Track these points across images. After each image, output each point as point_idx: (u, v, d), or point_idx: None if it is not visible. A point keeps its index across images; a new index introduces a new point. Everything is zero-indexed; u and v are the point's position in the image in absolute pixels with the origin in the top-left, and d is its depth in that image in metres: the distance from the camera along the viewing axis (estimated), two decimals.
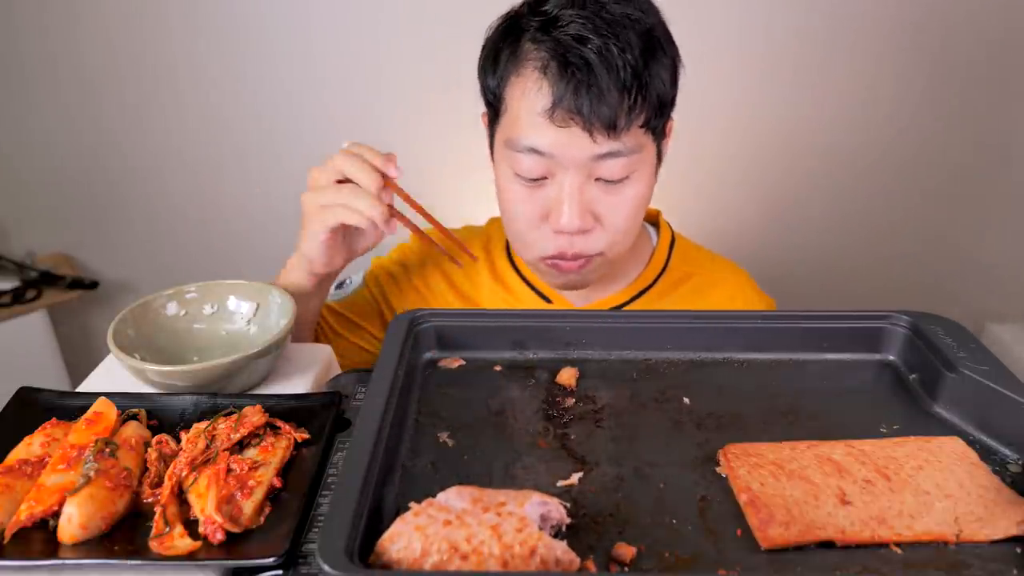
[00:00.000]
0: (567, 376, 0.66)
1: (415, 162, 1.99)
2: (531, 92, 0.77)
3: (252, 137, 1.96)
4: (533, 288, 0.97)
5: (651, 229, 1.03)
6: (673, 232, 1.03)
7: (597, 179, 0.79)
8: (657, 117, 0.79)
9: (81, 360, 2.02)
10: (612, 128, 0.75)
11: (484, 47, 0.85)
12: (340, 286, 1.04)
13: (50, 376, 1.91)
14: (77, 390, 0.68)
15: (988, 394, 0.58)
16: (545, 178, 0.80)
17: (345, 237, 0.84)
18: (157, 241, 2.08)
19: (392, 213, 0.77)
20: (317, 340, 0.97)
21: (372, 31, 1.84)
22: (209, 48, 1.85)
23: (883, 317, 0.68)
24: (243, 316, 0.79)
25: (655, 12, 0.80)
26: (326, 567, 0.40)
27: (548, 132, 0.77)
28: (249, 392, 0.70)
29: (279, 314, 0.76)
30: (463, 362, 0.69)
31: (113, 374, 0.73)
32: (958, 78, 1.86)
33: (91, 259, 2.08)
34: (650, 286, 0.97)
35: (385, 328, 0.97)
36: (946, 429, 0.59)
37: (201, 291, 0.79)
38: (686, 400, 0.63)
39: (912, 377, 0.65)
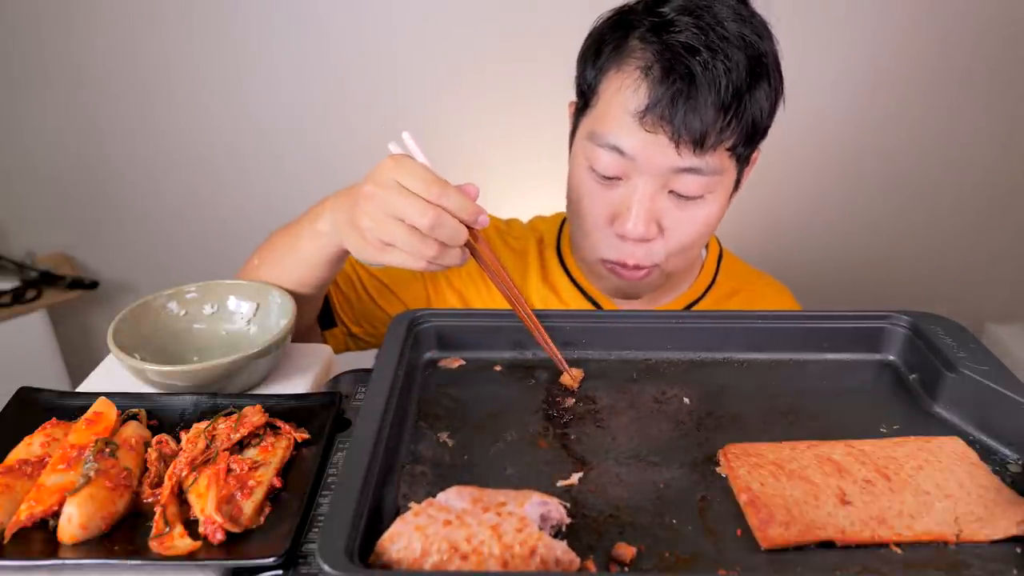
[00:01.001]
0: (569, 379, 0.65)
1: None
2: (627, 90, 0.75)
3: (251, 137, 1.96)
4: (584, 292, 0.96)
5: None
6: (721, 246, 1.02)
7: (670, 192, 0.78)
8: (746, 144, 0.78)
9: (81, 360, 2.02)
10: (699, 144, 0.74)
11: (589, 36, 0.83)
12: None
13: (50, 376, 1.91)
14: (77, 390, 0.69)
15: (988, 394, 0.58)
16: (619, 179, 0.79)
17: None
18: (157, 241, 2.08)
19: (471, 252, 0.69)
20: (347, 300, 0.95)
21: (371, 29, 1.84)
22: (208, 48, 1.85)
23: (883, 317, 0.68)
24: (243, 316, 0.79)
25: (770, 39, 0.79)
26: (326, 567, 0.40)
27: (635, 134, 0.75)
28: (249, 392, 0.70)
29: (279, 314, 0.76)
30: (463, 362, 0.69)
31: (113, 374, 0.73)
32: (956, 79, 1.86)
33: (91, 259, 2.08)
34: (699, 299, 0.96)
35: (421, 301, 0.96)
36: (946, 429, 0.59)
37: (201, 291, 0.79)
38: (686, 400, 0.63)
39: (912, 377, 0.65)
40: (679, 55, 0.72)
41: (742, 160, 0.81)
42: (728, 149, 0.76)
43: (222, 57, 1.87)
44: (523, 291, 0.96)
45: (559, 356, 0.67)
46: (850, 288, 2.11)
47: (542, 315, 0.70)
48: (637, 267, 0.82)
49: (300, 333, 0.86)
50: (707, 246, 1.01)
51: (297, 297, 0.79)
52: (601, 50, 0.80)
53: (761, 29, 0.77)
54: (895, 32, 1.80)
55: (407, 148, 0.69)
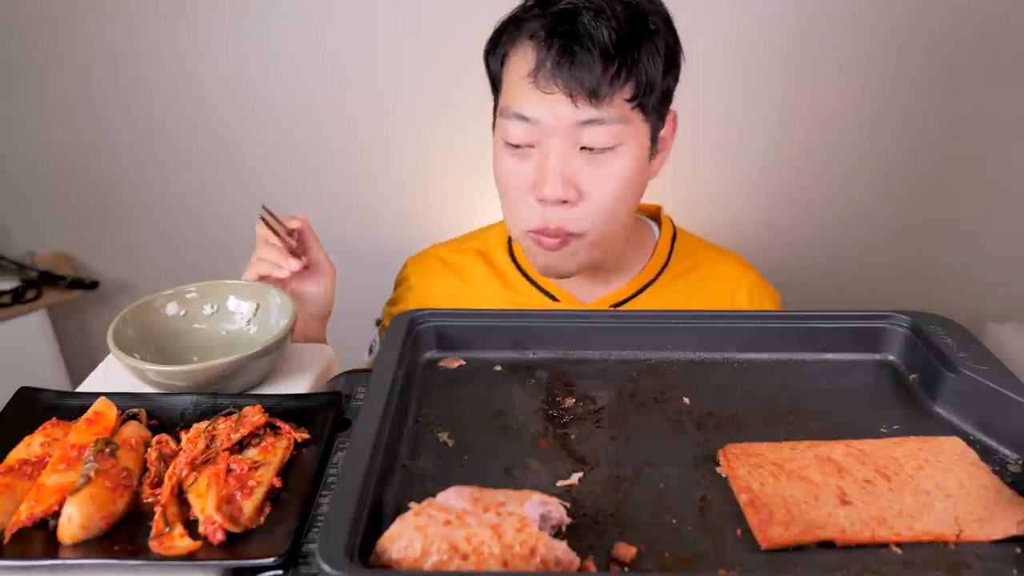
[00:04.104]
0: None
1: (416, 160, 2.00)
2: (520, 59, 0.80)
3: (252, 136, 1.96)
4: (537, 286, 0.97)
5: (653, 224, 1.03)
6: (675, 226, 1.03)
7: (583, 148, 0.80)
8: (646, 95, 0.80)
9: (81, 360, 2.02)
10: (593, 95, 0.77)
11: (491, 35, 0.87)
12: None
13: (50, 376, 1.91)
14: (77, 390, 0.68)
15: (988, 394, 0.58)
16: (532, 146, 0.82)
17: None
18: (157, 241, 2.08)
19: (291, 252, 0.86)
20: None
21: (371, 29, 1.84)
22: (209, 47, 1.86)
23: (883, 317, 0.68)
24: (243, 316, 0.79)
25: (657, 3, 0.82)
26: (326, 567, 0.40)
27: (533, 98, 0.79)
28: (249, 392, 0.70)
29: (279, 314, 0.76)
30: (463, 362, 0.69)
31: (113, 374, 0.73)
32: (957, 78, 1.86)
33: (91, 259, 2.08)
34: (654, 280, 0.97)
35: None
36: (946, 429, 0.59)
37: (201, 291, 0.79)
38: (686, 400, 0.63)
39: (912, 377, 0.65)
40: (563, 18, 0.77)
41: (650, 115, 0.83)
42: (628, 100, 0.79)
43: (222, 57, 1.87)
44: (472, 299, 1.00)
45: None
46: (849, 288, 2.11)
47: (544, 315, 0.70)
48: (557, 232, 0.84)
49: None
50: (660, 227, 1.01)
51: None
52: (500, 39, 0.85)
53: None
54: (895, 30, 1.80)
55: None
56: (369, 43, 1.86)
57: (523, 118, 0.80)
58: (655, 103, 0.83)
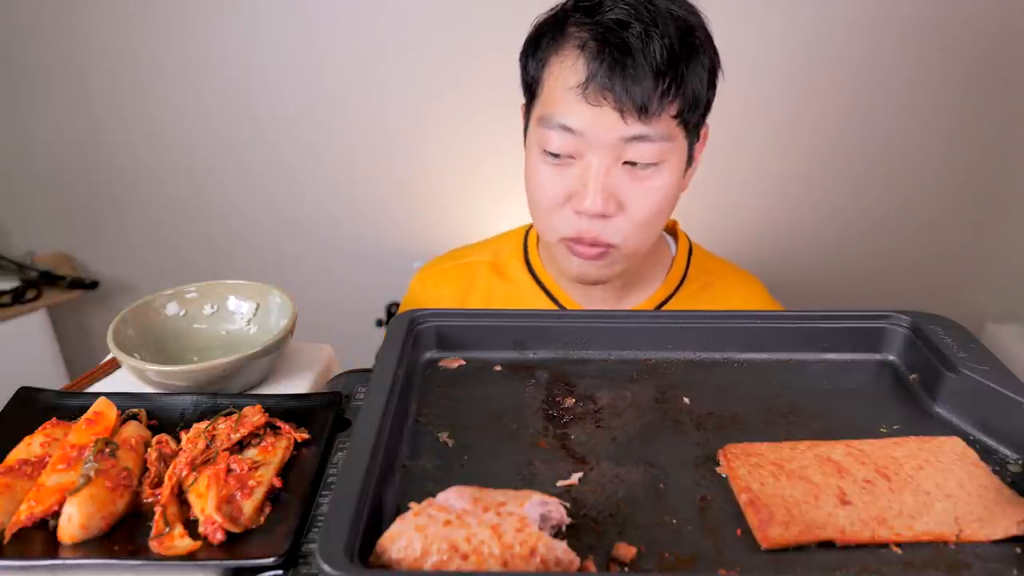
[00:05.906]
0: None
1: (417, 159, 2.00)
2: (567, 68, 0.78)
3: (252, 136, 1.96)
4: (553, 298, 0.97)
5: (669, 239, 1.03)
6: (691, 242, 1.03)
7: (625, 163, 0.79)
8: (690, 111, 0.80)
9: (81, 360, 2.02)
10: (643, 111, 0.76)
11: (529, 35, 0.85)
12: None
13: (50, 376, 1.91)
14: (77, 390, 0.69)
15: (988, 394, 0.58)
16: (573, 157, 0.80)
17: None
18: (157, 241, 2.08)
19: None
20: None
21: (372, 28, 1.84)
22: (209, 48, 1.86)
23: (883, 317, 0.68)
24: (243, 316, 0.79)
25: (699, 16, 0.81)
26: (326, 567, 0.40)
27: (580, 109, 0.77)
28: (249, 392, 0.70)
29: (279, 314, 0.76)
30: (463, 362, 0.69)
31: (113, 374, 0.73)
32: (957, 79, 1.86)
33: (91, 259, 2.08)
34: (671, 296, 0.97)
35: None
36: (946, 429, 0.59)
37: (201, 291, 0.79)
38: (686, 400, 0.63)
39: (912, 377, 0.65)
40: (612, 29, 0.76)
41: (691, 131, 0.82)
42: (674, 116, 0.78)
43: (221, 57, 1.87)
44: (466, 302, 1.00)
45: None
46: (850, 288, 2.11)
47: (544, 315, 0.70)
48: (594, 243, 0.83)
49: None
50: (676, 241, 1.01)
51: None
52: (540, 42, 0.83)
53: (689, 7, 0.80)
54: (896, 31, 1.81)
55: None
56: (368, 44, 1.86)
57: (567, 129, 0.78)
58: (697, 119, 0.82)
